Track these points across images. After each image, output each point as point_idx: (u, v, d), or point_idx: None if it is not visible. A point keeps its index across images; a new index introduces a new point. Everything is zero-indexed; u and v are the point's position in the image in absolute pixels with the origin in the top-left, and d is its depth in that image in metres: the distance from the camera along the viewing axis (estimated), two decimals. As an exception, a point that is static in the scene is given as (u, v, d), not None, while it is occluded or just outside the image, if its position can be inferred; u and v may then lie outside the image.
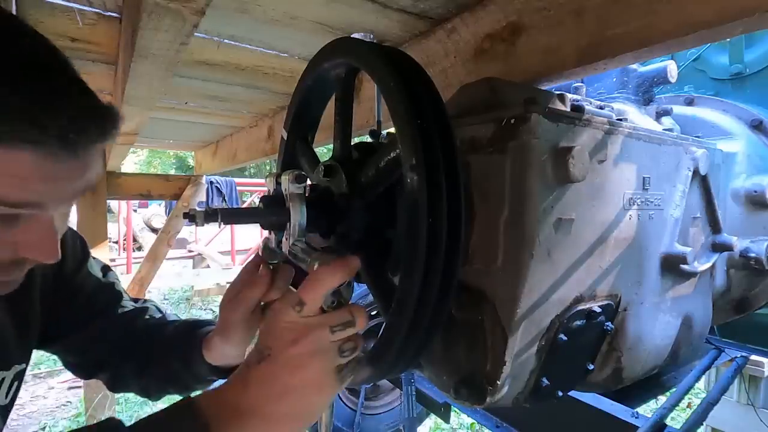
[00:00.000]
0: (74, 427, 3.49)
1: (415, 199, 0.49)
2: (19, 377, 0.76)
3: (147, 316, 0.92)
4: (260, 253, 0.71)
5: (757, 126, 1.41)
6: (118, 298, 0.93)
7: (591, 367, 0.78)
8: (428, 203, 0.48)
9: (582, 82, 1.22)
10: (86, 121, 0.53)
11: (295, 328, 0.53)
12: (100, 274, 0.93)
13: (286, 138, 0.78)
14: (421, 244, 0.48)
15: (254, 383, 0.52)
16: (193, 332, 0.84)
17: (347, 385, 0.56)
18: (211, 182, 7.01)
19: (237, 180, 7.62)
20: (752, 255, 1.09)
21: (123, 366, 0.88)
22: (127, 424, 0.50)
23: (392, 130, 0.61)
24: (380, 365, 0.55)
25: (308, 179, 0.61)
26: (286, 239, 0.60)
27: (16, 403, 0.81)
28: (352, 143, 0.69)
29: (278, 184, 0.62)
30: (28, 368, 0.81)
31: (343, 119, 0.68)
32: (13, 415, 0.84)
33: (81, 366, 0.92)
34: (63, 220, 0.61)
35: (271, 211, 0.60)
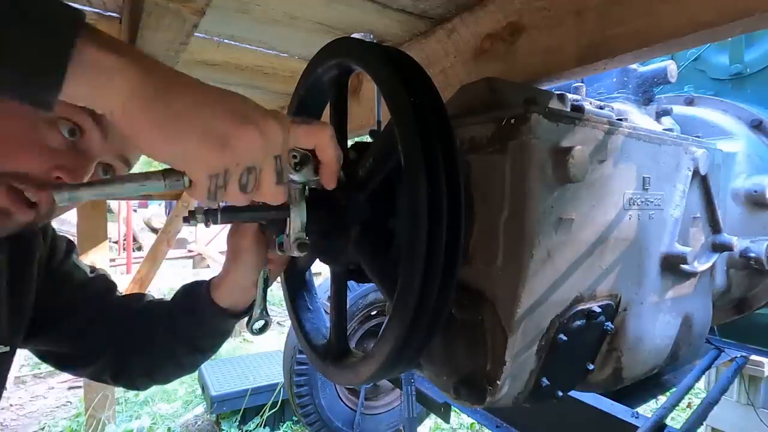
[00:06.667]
0: (74, 426, 3.49)
1: (414, 169, 0.50)
2: (1, 360, 0.76)
3: (146, 300, 0.93)
4: None
5: (757, 126, 1.41)
6: (113, 286, 0.95)
7: (591, 367, 0.78)
8: (426, 172, 0.49)
9: (582, 82, 1.22)
10: None
11: (277, 120, 0.50)
12: (87, 269, 0.94)
13: None
14: (422, 215, 0.49)
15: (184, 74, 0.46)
16: (196, 283, 0.86)
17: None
18: (211, 182, 7.01)
19: (237, 180, 7.61)
20: (752, 255, 1.09)
21: (124, 345, 0.88)
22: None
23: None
24: (395, 345, 0.54)
25: None
26: (287, 236, 0.60)
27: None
28: (349, 144, 0.69)
29: None
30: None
31: (338, 121, 0.69)
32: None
33: (78, 357, 0.90)
34: (95, 175, 0.73)
35: (271, 208, 0.60)
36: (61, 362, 0.92)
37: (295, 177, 0.53)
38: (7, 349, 0.76)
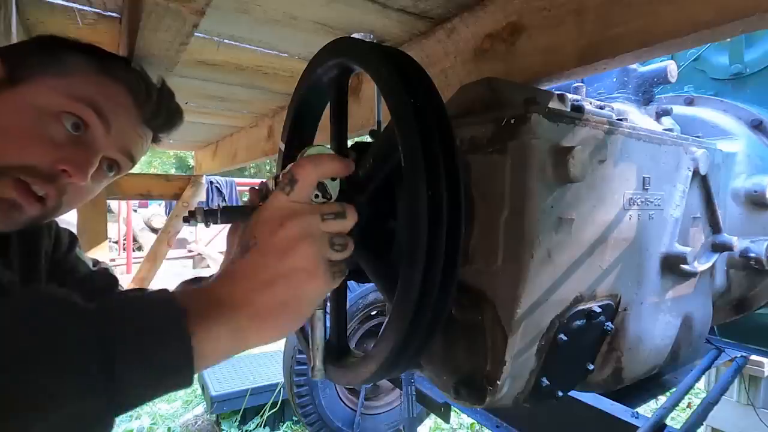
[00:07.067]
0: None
1: (414, 169, 0.50)
2: None
3: (147, 293, 0.94)
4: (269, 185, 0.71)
5: (757, 126, 1.41)
6: (114, 280, 0.96)
7: (591, 367, 0.78)
8: (426, 172, 0.49)
9: (582, 82, 1.22)
10: (168, 110, 0.84)
11: (284, 212, 0.49)
12: (90, 262, 0.95)
13: (284, 149, 0.78)
14: (422, 216, 0.49)
15: (239, 274, 0.48)
16: (195, 279, 0.87)
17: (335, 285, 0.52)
18: (211, 182, 7.01)
19: (237, 180, 7.62)
20: (752, 255, 1.09)
21: None
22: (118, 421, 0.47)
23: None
24: (395, 345, 0.54)
25: None
26: None
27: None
28: (348, 145, 0.69)
29: (277, 184, 0.62)
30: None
31: (338, 122, 0.68)
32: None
33: None
34: (100, 170, 0.75)
35: None
36: None
37: (333, 198, 0.55)
38: None
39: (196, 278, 0.90)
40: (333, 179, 0.55)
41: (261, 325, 0.47)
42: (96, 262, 0.97)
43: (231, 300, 0.46)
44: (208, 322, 0.44)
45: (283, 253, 0.48)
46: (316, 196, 0.54)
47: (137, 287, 1.04)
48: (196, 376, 0.43)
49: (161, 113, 0.83)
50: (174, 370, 0.41)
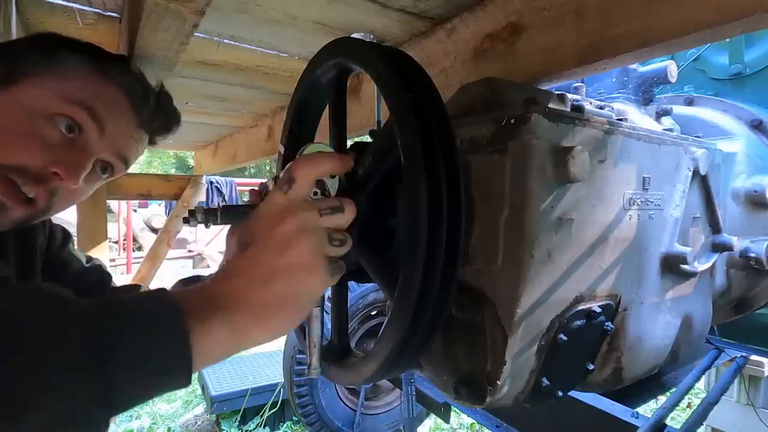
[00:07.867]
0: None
1: (414, 167, 0.50)
2: None
3: (140, 291, 0.93)
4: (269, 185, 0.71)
5: (757, 126, 1.41)
6: (108, 276, 0.95)
7: (591, 367, 0.78)
8: (426, 170, 0.49)
9: (582, 82, 1.22)
10: (165, 114, 0.85)
11: (282, 209, 0.49)
12: (83, 258, 0.95)
13: (283, 152, 0.78)
14: (422, 214, 0.49)
15: (237, 271, 0.48)
16: (193, 278, 0.87)
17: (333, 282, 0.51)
18: (211, 182, 7.01)
19: (237, 180, 7.61)
20: (752, 255, 1.09)
21: None
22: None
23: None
24: (395, 345, 0.54)
25: None
26: None
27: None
28: (348, 144, 0.69)
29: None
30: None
31: (337, 122, 0.68)
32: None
33: None
34: (93, 172, 0.75)
35: None
36: None
37: (332, 194, 0.55)
38: None
39: (193, 277, 0.90)
40: (332, 176, 0.55)
41: (260, 322, 0.46)
42: (89, 259, 0.96)
43: (229, 297, 0.45)
44: (205, 320, 0.43)
45: (281, 248, 0.47)
46: (315, 193, 0.53)
47: (132, 284, 1.03)
48: (195, 375, 0.42)
49: (158, 117, 0.83)
50: (171, 370, 0.40)
